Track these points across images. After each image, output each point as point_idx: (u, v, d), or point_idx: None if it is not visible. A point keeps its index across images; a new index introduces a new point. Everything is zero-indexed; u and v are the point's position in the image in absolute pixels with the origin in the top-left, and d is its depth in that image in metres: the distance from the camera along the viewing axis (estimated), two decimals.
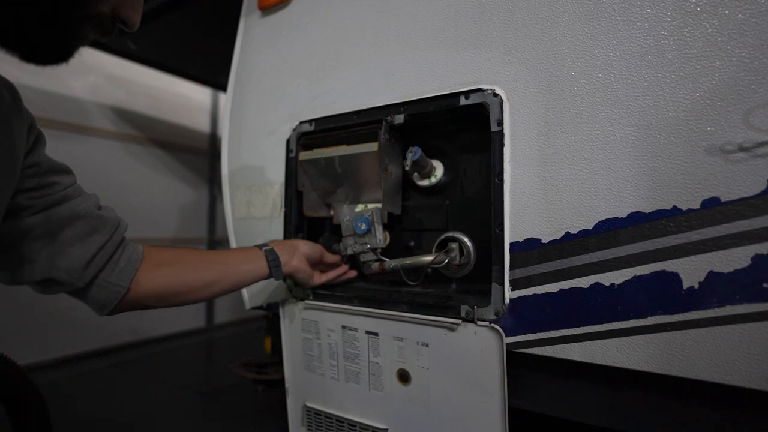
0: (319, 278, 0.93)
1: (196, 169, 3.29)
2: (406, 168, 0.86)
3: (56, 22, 0.46)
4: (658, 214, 0.62)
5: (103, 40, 0.53)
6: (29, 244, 0.56)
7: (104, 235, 0.62)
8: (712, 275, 0.58)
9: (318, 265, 0.94)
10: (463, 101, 0.80)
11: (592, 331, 0.66)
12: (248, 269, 0.81)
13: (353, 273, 1.00)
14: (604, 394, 0.71)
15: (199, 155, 3.33)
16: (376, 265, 0.91)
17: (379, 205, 0.90)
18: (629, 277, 0.63)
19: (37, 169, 0.56)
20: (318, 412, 0.97)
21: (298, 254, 0.88)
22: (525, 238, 0.72)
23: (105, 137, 2.68)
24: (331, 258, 0.95)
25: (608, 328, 0.65)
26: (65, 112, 2.44)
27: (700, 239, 0.59)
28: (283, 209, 1.04)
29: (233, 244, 1.17)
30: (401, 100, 0.88)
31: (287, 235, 1.03)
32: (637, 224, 0.63)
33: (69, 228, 0.58)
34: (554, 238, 0.70)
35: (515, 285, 0.73)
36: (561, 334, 0.69)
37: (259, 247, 0.85)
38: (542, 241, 0.71)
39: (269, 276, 0.83)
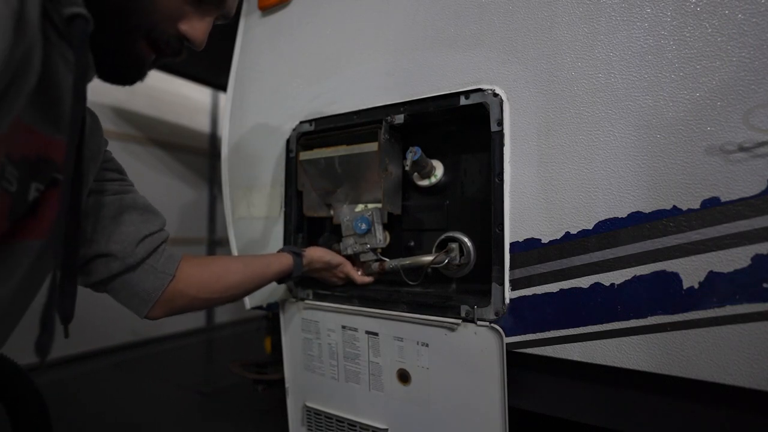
0: (363, 279, 0.95)
1: (196, 169, 3.30)
2: (406, 168, 0.85)
3: (112, 38, 0.50)
4: (658, 214, 0.62)
5: (173, 60, 0.58)
6: (93, 223, 0.63)
7: (155, 225, 0.69)
8: (712, 275, 0.58)
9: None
10: (463, 101, 0.80)
11: (592, 331, 0.66)
12: (270, 260, 0.84)
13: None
14: (604, 394, 0.71)
15: (199, 155, 3.33)
16: (376, 265, 0.91)
17: (379, 205, 0.90)
18: (629, 277, 0.63)
19: (111, 164, 0.69)
20: (318, 412, 0.97)
21: (316, 247, 0.93)
22: (525, 238, 0.72)
23: (105, 137, 2.68)
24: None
25: (608, 328, 0.65)
26: None
27: (700, 239, 0.59)
28: (283, 209, 1.04)
29: (233, 244, 1.17)
30: (401, 100, 0.88)
31: (287, 234, 1.03)
32: (637, 224, 0.63)
33: (127, 214, 0.66)
34: (554, 238, 0.70)
35: (515, 285, 0.73)
36: (561, 334, 0.69)
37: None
38: (542, 241, 0.71)
39: (294, 266, 0.86)
